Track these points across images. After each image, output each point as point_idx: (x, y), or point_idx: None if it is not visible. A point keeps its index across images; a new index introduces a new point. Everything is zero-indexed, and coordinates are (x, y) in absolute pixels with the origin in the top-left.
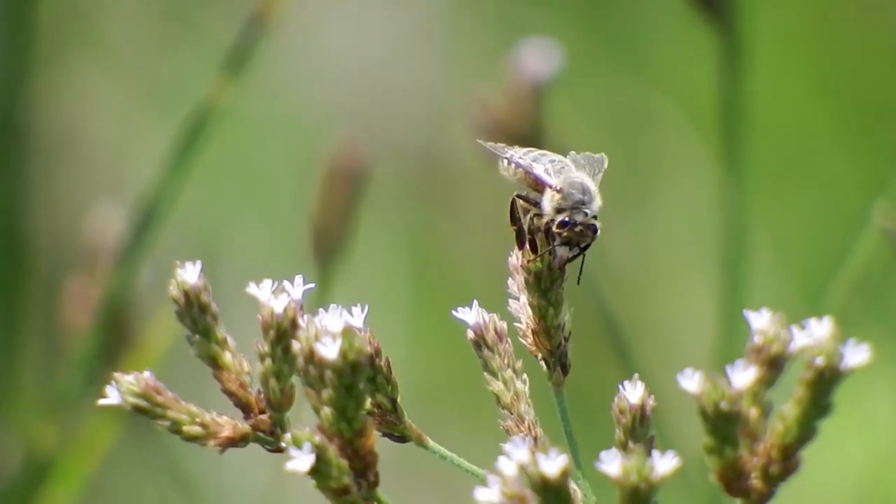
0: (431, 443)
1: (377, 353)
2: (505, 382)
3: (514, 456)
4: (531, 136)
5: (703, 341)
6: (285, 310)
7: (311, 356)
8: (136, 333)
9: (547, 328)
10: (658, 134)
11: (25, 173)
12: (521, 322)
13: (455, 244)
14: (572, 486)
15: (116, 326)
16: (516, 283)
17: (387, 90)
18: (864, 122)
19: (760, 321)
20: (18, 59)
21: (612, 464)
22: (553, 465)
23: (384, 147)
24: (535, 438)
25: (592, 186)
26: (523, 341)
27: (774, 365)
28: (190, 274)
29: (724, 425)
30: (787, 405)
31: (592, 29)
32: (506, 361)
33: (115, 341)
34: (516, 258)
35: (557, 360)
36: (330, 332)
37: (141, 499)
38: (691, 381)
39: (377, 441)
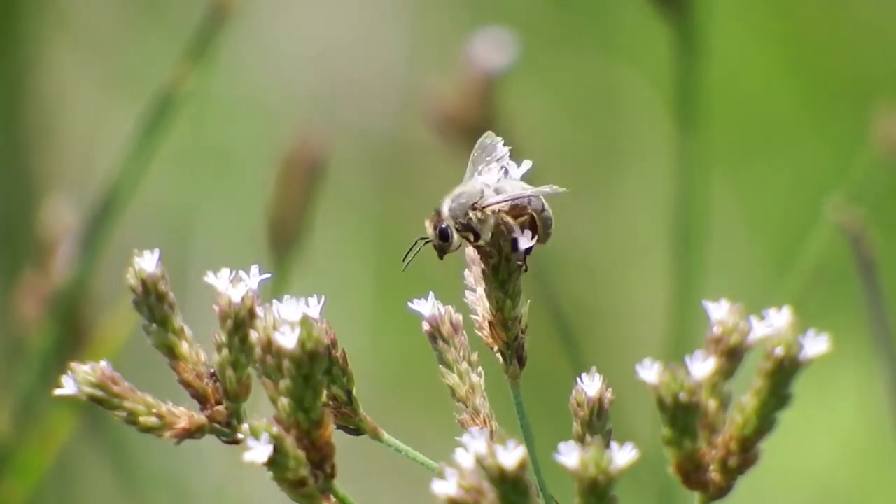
0: (386, 436)
1: (333, 344)
2: (460, 375)
3: (472, 448)
4: (483, 129)
5: (664, 324)
6: (243, 299)
7: (268, 346)
8: (94, 325)
9: (504, 320)
10: (624, 115)
11: None
12: (477, 314)
13: (419, 230)
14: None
15: (74, 318)
16: (473, 274)
17: (354, 74)
18: (833, 99)
19: (719, 311)
20: None
21: (570, 456)
22: (510, 456)
23: (350, 131)
24: (491, 432)
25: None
26: (479, 333)
27: (733, 355)
28: (147, 262)
29: (682, 416)
30: (746, 396)
31: (559, 10)
32: (461, 354)
33: (72, 333)
34: (473, 249)
35: (514, 353)
36: (288, 321)
37: (98, 489)
38: (650, 372)
39: (334, 433)
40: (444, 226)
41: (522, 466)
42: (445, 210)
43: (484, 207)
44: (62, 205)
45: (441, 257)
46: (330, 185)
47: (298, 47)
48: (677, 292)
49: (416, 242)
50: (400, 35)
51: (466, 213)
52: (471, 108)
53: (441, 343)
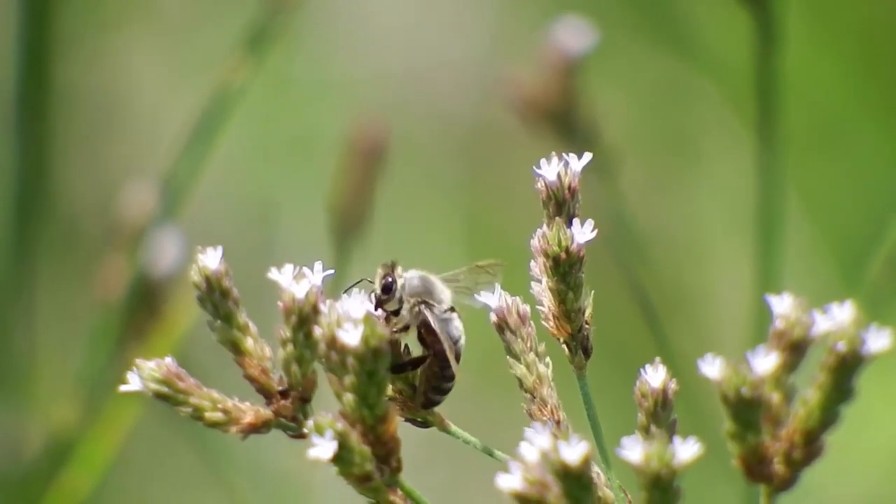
0: (454, 427)
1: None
2: (527, 366)
3: (536, 442)
4: (563, 113)
5: (741, 315)
6: (307, 295)
7: (332, 342)
8: (164, 308)
9: (567, 312)
10: (695, 108)
11: (65, 139)
12: (543, 305)
13: (506, 208)
14: (595, 469)
15: (144, 301)
16: (538, 266)
17: (439, 59)
18: None
19: (782, 306)
20: (63, 28)
21: (633, 450)
22: (574, 451)
23: (435, 115)
24: (558, 422)
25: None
26: (545, 324)
27: (796, 350)
28: (211, 259)
29: (745, 411)
30: (810, 390)
31: (632, 4)
32: (528, 345)
33: (142, 317)
34: (538, 241)
35: (579, 344)
36: (352, 318)
37: (170, 473)
38: (712, 368)
39: (399, 426)
40: (389, 280)
41: (586, 462)
42: (402, 273)
43: (421, 307)
44: (141, 189)
45: (375, 308)
46: (417, 168)
47: (385, 33)
48: (759, 278)
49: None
50: (483, 21)
51: (413, 298)
52: (551, 93)
53: (508, 334)
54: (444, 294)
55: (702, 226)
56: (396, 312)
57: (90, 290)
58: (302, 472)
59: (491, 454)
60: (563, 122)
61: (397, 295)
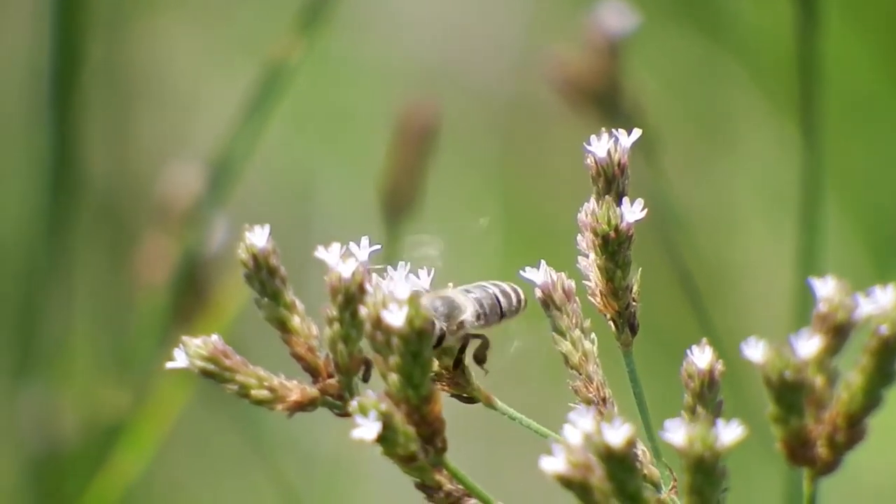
0: (500, 403)
1: None
2: (573, 342)
3: (579, 424)
4: (606, 93)
5: (780, 296)
6: (353, 274)
7: (377, 322)
8: (212, 290)
9: (615, 290)
10: (730, 91)
11: (101, 116)
12: (589, 280)
13: (541, 185)
14: (640, 447)
15: (191, 284)
16: (585, 240)
17: (476, 37)
18: None
19: (825, 289)
20: (100, 6)
21: (676, 433)
22: (617, 434)
23: (471, 93)
24: (604, 399)
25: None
26: (592, 300)
27: (839, 333)
28: (258, 237)
29: (788, 394)
30: (853, 373)
31: None
32: (574, 321)
33: (189, 299)
34: (585, 215)
35: (626, 321)
36: (396, 298)
37: (214, 452)
38: (756, 351)
39: (449, 400)
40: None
41: (629, 444)
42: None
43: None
44: (186, 169)
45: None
46: (454, 146)
47: (421, 10)
48: (798, 260)
49: None
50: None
51: (447, 321)
52: (594, 72)
53: (554, 310)
54: (466, 302)
55: (738, 207)
56: (438, 343)
57: (131, 271)
58: (349, 451)
59: (537, 431)
60: (606, 103)
61: (435, 329)
